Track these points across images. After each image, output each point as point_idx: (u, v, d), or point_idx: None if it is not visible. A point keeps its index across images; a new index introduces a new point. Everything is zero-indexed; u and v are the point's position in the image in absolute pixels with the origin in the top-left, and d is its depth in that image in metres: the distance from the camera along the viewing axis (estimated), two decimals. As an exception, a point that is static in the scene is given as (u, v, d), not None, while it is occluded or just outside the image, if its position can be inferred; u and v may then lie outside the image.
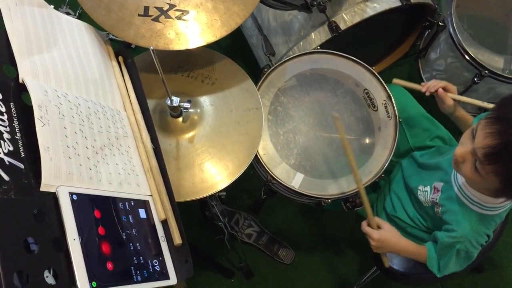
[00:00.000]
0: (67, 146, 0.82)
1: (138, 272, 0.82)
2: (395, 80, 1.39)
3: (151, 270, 0.86)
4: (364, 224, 1.26)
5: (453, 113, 1.33)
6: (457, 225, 1.17)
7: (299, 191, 1.33)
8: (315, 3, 1.43)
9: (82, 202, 0.79)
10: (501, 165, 0.96)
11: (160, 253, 0.91)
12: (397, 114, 1.40)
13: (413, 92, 1.52)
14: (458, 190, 1.18)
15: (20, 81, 0.83)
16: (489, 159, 0.96)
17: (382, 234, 1.23)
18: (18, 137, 0.78)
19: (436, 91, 1.29)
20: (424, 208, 1.33)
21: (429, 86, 1.30)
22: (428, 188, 1.29)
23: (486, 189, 1.09)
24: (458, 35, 1.55)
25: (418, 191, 1.33)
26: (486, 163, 0.97)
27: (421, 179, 1.35)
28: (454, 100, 1.29)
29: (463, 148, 1.05)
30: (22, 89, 0.83)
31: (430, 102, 1.38)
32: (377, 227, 1.25)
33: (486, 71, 1.53)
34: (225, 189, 1.18)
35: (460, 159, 1.05)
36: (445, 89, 1.29)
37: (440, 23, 1.64)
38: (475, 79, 1.57)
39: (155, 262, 0.88)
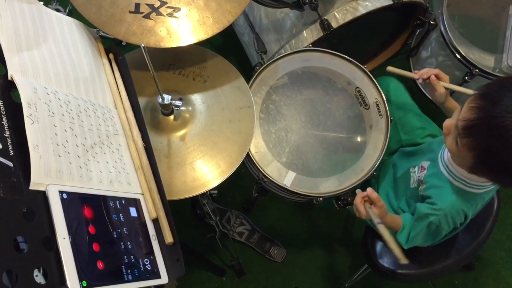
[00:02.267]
0: (57, 144, 0.81)
1: (129, 271, 0.82)
2: (390, 68, 1.40)
3: (142, 269, 0.85)
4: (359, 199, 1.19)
5: (444, 103, 1.34)
6: (438, 198, 1.19)
7: (291, 189, 1.33)
8: (307, 1, 1.43)
9: (72, 201, 0.78)
10: (474, 139, 0.98)
11: (151, 252, 0.90)
12: (388, 112, 1.40)
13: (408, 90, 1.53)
14: (443, 166, 1.20)
15: (9, 78, 0.82)
16: (465, 132, 0.99)
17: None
18: (7, 135, 0.77)
19: (429, 78, 1.29)
20: (410, 191, 1.34)
21: (422, 73, 1.31)
22: (416, 168, 1.32)
23: (465, 166, 1.10)
24: (449, 34, 1.56)
25: (410, 173, 1.34)
26: (462, 135, 1.00)
27: (411, 161, 1.37)
28: (446, 88, 1.30)
29: (450, 120, 1.08)
30: (11, 86, 0.82)
31: (423, 100, 1.39)
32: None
33: (477, 70, 1.54)
34: (217, 188, 1.17)
35: (446, 130, 1.08)
36: (437, 77, 1.29)
37: (431, 22, 1.65)
38: (466, 77, 1.58)
39: (146, 261, 0.87)
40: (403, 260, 1.06)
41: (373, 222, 1.13)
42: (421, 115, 1.53)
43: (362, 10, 1.52)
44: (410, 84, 1.80)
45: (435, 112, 1.46)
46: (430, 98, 1.34)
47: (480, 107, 0.97)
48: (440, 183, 1.20)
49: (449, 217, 1.18)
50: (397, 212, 1.39)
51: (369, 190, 1.17)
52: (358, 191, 1.20)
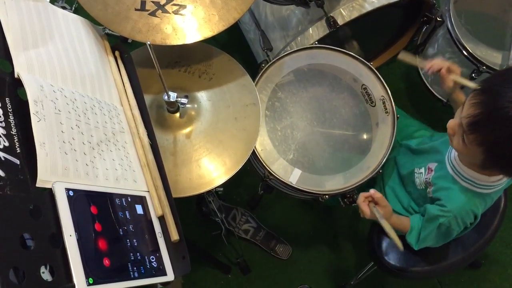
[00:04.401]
0: (63, 142, 0.81)
1: (135, 268, 0.82)
2: (401, 55, 1.38)
3: (148, 266, 0.85)
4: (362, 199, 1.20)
5: (451, 95, 1.34)
6: (447, 200, 1.19)
7: (296, 187, 1.32)
8: (313, -2, 1.43)
9: (78, 198, 0.78)
10: (481, 134, 0.98)
11: (157, 249, 0.90)
12: (394, 109, 1.39)
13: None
14: (451, 168, 1.20)
15: (16, 76, 0.83)
16: (470, 128, 0.99)
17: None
18: (13, 133, 0.77)
19: (439, 71, 1.28)
20: (418, 191, 1.34)
21: (433, 65, 1.29)
22: (422, 170, 1.31)
23: (476, 165, 1.10)
24: (456, 31, 1.55)
25: (415, 174, 1.34)
26: (468, 132, 1.00)
27: (416, 162, 1.36)
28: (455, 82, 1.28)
29: (454, 120, 1.08)
30: (17, 84, 0.82)
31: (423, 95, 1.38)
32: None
33: (484, 67, 1.53)
34: (222, 185, 1.17)
35: (451, 131, 1.08)
36: (449, 70, 1.27)
37: (438, 19, 1.64)
38: (473, 74, 1.57)
39: (152, 258, 0.88)
40: (400, 246, 1.08)
41: (377, 217, 1.14)
42: (407, 117, 1.53)
43: (368, 7, 1.51)
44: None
45: (435, 108, 1.44)
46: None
47: (481, 102, 0.97)
48: (448, 184, 1.20)
49: (459, 218, 1.18)
50: (408, 210, 1.38)
51: (372, 190, 1.18)
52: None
